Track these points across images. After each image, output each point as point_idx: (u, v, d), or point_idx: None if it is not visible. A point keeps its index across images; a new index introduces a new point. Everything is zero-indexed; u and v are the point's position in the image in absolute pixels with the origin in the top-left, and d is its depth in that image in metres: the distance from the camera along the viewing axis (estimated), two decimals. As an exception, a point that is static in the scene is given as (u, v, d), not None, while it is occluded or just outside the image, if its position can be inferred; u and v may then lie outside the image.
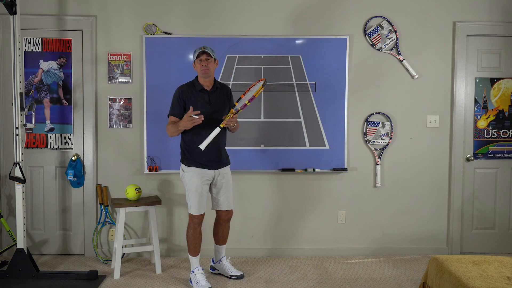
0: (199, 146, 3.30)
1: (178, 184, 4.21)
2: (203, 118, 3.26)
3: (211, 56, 3.40)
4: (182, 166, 3.51)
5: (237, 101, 3.45)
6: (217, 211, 3.64)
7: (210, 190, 3.59)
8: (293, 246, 4.30)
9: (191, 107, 3.30)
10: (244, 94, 3.47)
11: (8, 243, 4.16)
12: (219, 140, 3.46)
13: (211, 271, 3.84)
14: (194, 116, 3.24)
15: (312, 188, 4.26)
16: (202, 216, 3.49)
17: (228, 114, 3.35)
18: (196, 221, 3.47)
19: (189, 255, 3.55)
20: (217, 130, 3.30)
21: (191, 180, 3.44)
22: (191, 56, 4.09)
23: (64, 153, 4.20)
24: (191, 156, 3.44)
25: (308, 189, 4.26)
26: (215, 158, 3.45)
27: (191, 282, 3.53)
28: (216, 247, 3.76)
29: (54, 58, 4.14)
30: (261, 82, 3.37)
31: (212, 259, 3.85)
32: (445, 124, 4.28)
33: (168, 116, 3.51)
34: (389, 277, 3.75)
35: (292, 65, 4.14)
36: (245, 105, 3.32)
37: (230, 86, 4.06)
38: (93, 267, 3.96)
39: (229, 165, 3.62)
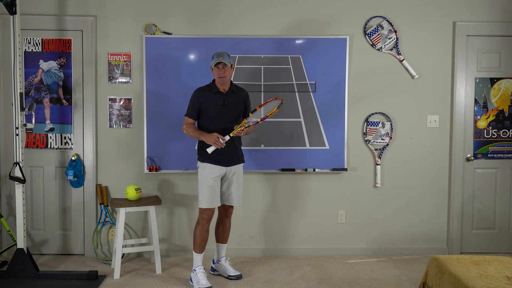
0: (207, 150, 3.42)
1: (178, 184, 4.21)
2: (224, 145, 3.40)
3: (228, 64, 3.49)
4: (198, 162, 3.62)
5: (252, 112, 3.56)
6: (223, 206, 3.68)
7: (221, 185, 3.64)
8: (293, 246, 4.29)
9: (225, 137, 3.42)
10: (260, 107, 3.58)
11: (8, 243, 4.16)
12: (234, 140, 3.56)
13: (212, 272, 3.84)
14: (221, 140, 3.38)
15: (312, 188, 4.26)
16: (212, 211, 3.54)
17: (240, 125, 3.45)
18: (205, 217, 3.53)
19: (193, 251, 3.57)
20: (226, 138, 3.41)
21: (203, 174, 3.54)
22: (191, 56, 4.09)
23: (64, 153, 4.20)
24: (206, 153, 3.52)
25: (308, 189, 4.26)
26: (228, 156, 3.54)
27: (191, 281, 3.53)
28: (217, 245, 3.78)
29: (54, 58, 4.14)
30: (278, 103, 3.49)
31: (213, 260, 3.86)
32: (445, 124, 4.28)
33: (185, 116, 3.62)
34: (389, 277, 3.75)
35: (292, 65, 4.14)
36: (257, 122, 3.49)
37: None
38: (93, 267, 3.96)
39: (242, 164, 3.70)
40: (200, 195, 3.54)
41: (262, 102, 3.65)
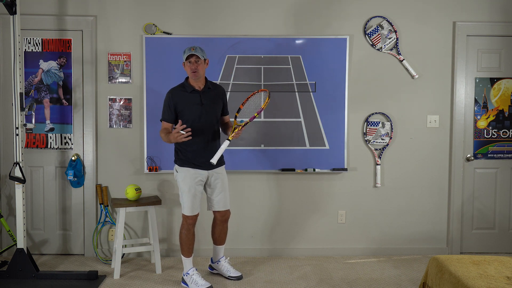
0: (211, 161, 3.28)
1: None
2: (190, 134, 3.25)
3: (201, 58, 3.36)
4: (176, 166, 3.50)
5: (238, 111, 3.47)
6: (213, 212, 3.63)
7: (205, 190, 3.58)
8: (293, 246, 4.30)
9: (179, 121, 3.28)
10: (243, 104, 3.48)
11: (8, 243, 4.16)
12: (216, 142, 3.48)
13: (210, 270, 3.83)
14: (182, 132, 3.22)
15: (312, 188, 4.26)
16: (196, 216, 3.48)
17: (234, 126, 3.36)
18: (190, 222, 3.45)
19: (182, 256, 3.52)
20: (226, 143, 3.30)
21: (184, 180, 3.42)
22: (191, 56, 4.09)
23: (64, 153, 4.20)
24: (184, 157, 3.43)
25: (308, 189, 4.26)
26: (208, 159, 3.36)
27: (185, 284, 3.51)
28: (214, 247, 3.75)
29: (54, 58, 4.14)
30: (266, 94, 3.39)
31: (211, 258, 3.85)
32: (445, 124, 4.28)
33: (161, 120, 3.51)
34: (389, 277, 3.75)
35: (292, 65, 4.14)
36: (254, 117, 3.37)
37: (230, 86, 4.08)
38: (93, 267, 3.96)
39: (223, 166, 3.60)
40: (182, 201, 3.44)
41: (244, 100, 3.54)
